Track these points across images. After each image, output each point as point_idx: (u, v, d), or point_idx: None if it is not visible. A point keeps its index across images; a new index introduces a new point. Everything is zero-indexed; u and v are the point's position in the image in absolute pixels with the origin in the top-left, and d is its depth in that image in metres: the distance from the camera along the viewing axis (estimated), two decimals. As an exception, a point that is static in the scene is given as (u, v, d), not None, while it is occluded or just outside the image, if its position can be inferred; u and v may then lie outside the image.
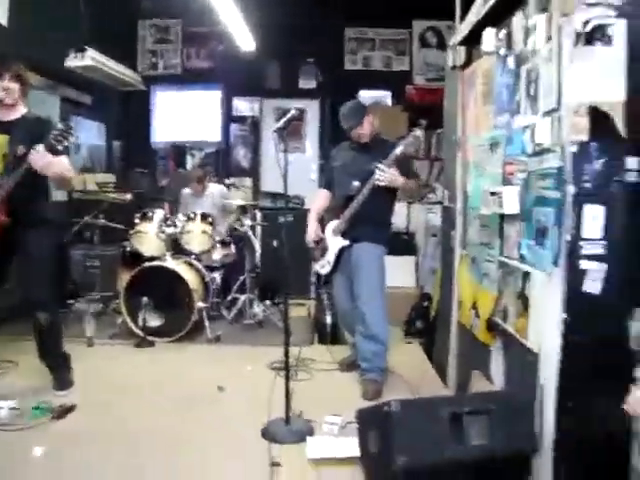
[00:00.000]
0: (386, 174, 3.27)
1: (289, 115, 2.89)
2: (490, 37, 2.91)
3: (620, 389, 2.09)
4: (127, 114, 7.63)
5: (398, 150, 3.26)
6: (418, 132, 3.35)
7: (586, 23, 2.07)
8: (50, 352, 3.33)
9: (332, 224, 3.58)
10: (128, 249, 4.99)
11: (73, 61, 5.47)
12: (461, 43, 3.51)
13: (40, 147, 2.89)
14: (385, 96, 7.56)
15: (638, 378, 1.63)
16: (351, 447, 2.51)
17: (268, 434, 2.81)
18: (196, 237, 4.84)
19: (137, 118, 7.69)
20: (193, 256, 4.91)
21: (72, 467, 2.52)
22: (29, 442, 2.69)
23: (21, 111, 3.17)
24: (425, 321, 4.75)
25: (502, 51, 2.81)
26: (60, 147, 2.93)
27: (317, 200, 3.88)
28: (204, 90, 7.77)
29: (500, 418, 2.21)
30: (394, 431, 2.09)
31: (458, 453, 2.14)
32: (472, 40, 3.27)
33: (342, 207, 3.51)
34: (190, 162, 7.59)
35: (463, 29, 3.41)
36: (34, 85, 5.25)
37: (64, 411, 3.03)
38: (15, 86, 3.08)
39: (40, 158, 2.90)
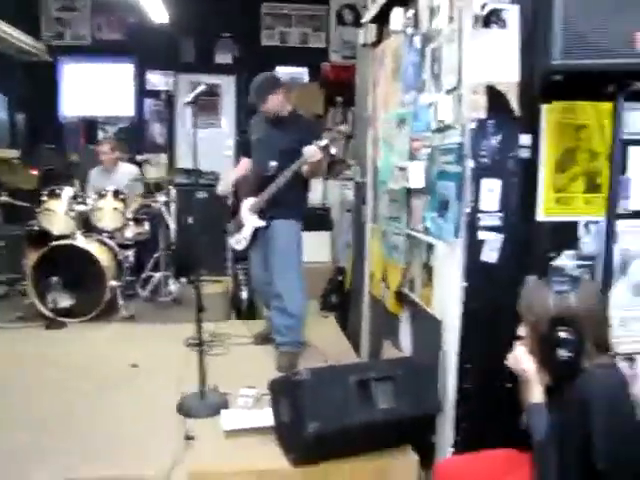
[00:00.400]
0: (313, 157, 3.21)
1: (199, 89, 2.85)
2: (398, 16, 2.99)
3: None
4: (32, 86, 7.22)
5: (323, 142, 3.20)
6: (343, 127, 3.35)
7: (483, 6, 2.17)
8: None
9: (249, 202, 3.57)
10: (35, 228, 4.78)
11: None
12: (372, 21, 3.58)
13: None
14: (302, 73, 7.57)
15: (520, 335, 1.76)
16: (265, 417, 2.56)
17: (182, 409, 2.82)
18: (108, 214, 4.70)
19: (43, 90, 7.29)
20: (105, 234, 4.78)
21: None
22: None
23: None
24: (340, 295, 4.86)
25: (409, 30, 2.89)
26: None
27: (240, 166, 3.87)
28: (116, 63, 7.49)
29: (405, 382, 2.33)
30: (304, 398, 2.16)
31: (366, 417, 2.24)
32: (383, 19, 3.34)
33: (258, 185, 3.50)
34: (102, 137, 7.32)
35: (374, 7, 3.47)
36: None
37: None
38: None
39: None
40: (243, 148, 3.92)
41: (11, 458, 2.44)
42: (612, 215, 1.86)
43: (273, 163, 3.40)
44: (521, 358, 1.75)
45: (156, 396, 3.02)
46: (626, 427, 1.56)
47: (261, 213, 3.50)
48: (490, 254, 2.27)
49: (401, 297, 2.95)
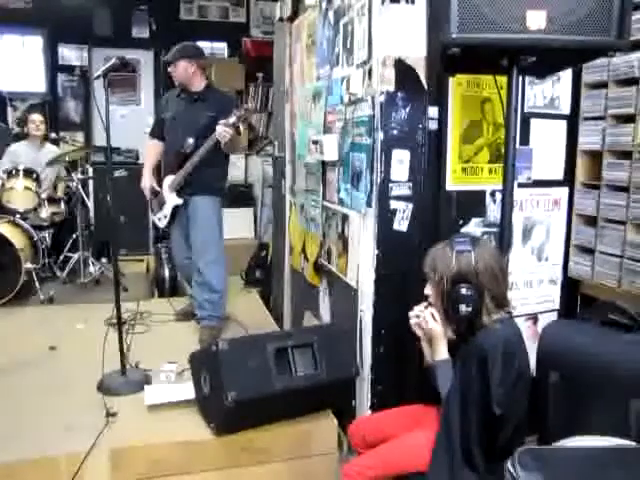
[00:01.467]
0: (224, 136, 3.19)
1: (109, 63, 2.77)
2: (312, -10, 3.02)
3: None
4: None
5: (231, 120, 3.16)
6: (250, 105, 3.33)
7: (391, -19, 2.23)
8: None
9: (168, 179, 3.52)
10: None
11: None
12: (288, -5, 3.58)
13: None
14: (221, 48, 7.46)
15: (426, 295, 1.86)
16: (187, 391, 2.57)
17: (103, 387, 2.79)
18: (19, 194, 4.53)
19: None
20: (18, 215, 4.59)
21: None
22: None
23: None
24: (263, 270, 4.90)
25: (323, 5, 2.92)
26: None
27: (149, 153, 3.80)
28: (22, 35, 7.08)
29: (323, 349, 2.40)
30: (223, 368, 2.19)
31: (286, 384, 2.30)
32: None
33: (176, 163, 3.46)
34: (11, 114, 6.96)
35: (289, -19, 3.48)
36: None
37: None
38: None
39: None
40: (153, 129, 3.78)
41: None
42: (508, 183, 1.97)
43: (190, 140, 3.36)
44: (427, 317, 1.84)
45: (76, 377, 2.97)
46: (520, 375, 1.69)
47: (179, 191, 3.47)
48: (401, 222, 2.37)
49: (319, 268, 3.03)
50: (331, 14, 2.81)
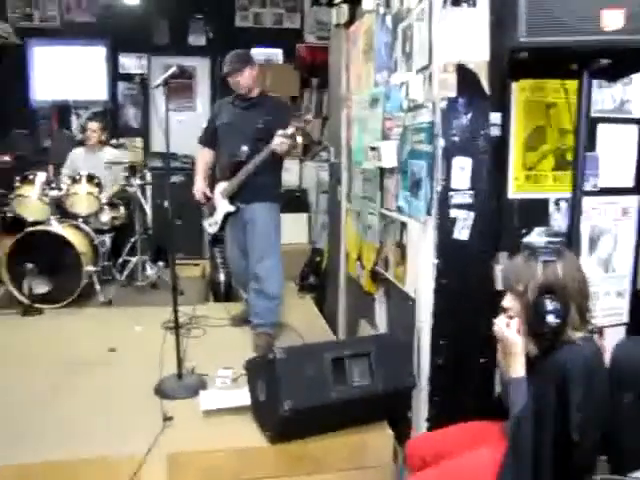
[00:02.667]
0: (282, 147, 3.18)
1: (169, 72, 2.81)
2: (370, -5, 2.99)
3: (487, 325, 2.31)
4: (1, 70, 7.07)
5: (289, 131, 3.16)
6: (309, 116, 3.31)
7: (452, -16, 2.18)
8: None
9: (221, 186, 3.55)
10: (9, 214, 4.73)
11: None
12: (345, 1, 3.56)
13: None
14: (276, 54, 7.51)
15: (505, 307, 1.77)
16: (242, 397, 2.58)
17: (160, 391, 2.83)
18: (82, 199, 4.66)
19: (12, 74, 7.13)
20: (80, 219, 4.73)
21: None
22: None
23: None
24: (317, 276, 4.89)
25: (381, 10, 2.89)
26: None
27: (200, 160, 3.82)
28: (87, 46, 7.34)
29: (380, 359, 2.36)
30: (279, 377, 2.18)
31: (342, 394, 2.27)
32: (355, -2, 3.33)
33: (230, 169, 3.47)
34: (75, 122, 7.21)
35: (346, -13, 3.46)
36: None
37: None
38: None
39: None
40: (204, 136, 3.78)
41: None
42: (578, 192, 1.89)
43: (244, 148, 3.37)
44: (508, 328, 1.74)
45: (134, 379, 3.02)
46: (599, 399, 1.60)
47: (231, 198, 3.49)
48: (462, 232, 2.30)
49: (376, 276, 2.99)
50: (389, 19, 2.78)
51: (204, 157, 3.79)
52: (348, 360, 2.29)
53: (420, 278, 2.41)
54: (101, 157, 5.18)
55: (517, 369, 1.73)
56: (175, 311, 2.97)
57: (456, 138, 2.27)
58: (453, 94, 2.25)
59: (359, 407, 2.39)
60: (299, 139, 3.31)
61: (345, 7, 3.56)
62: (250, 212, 3.47)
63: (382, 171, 2.83)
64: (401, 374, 2.42)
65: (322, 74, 6.85)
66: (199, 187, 3.70)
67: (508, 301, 1.76)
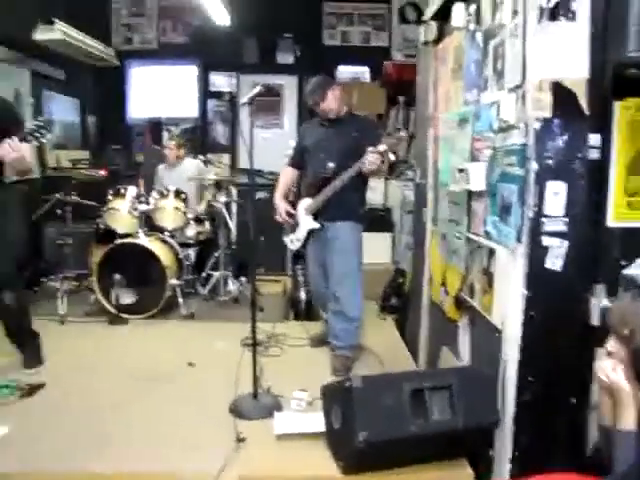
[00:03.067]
0: (373, 164, 3.12)
1: (255, 91, 2.83)
2: (460, 12, 2.89)
3: (579, 363, 2.14)
4: (102, 89, 7.48)
5: (382, 148, 3.10)
6: (403, 134, 3.23)
7: (550, -2, 2.05)
8: (17, 331, 3.30)
9: (305, 202, 3.53)
10: (101, 226, 4.95)
11: (42, 34, 5.33)
12: (433, 18, 3.48)
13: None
14: (363, 72, 7.50)
15: (610, 351, 1.62)
16: (317, 422, 2.52)
17: (235, 410, 2.82)
18: (169, 214, 4.81)
19: (112, 93, 7.54)
20: (167, 233, 4.87)
21: (38, 445, 2.52)
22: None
23: None
24: (399, 297, 4.77)
25: (471, 26, 2.79)
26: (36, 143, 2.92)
27: (282, 177, 3.82)
28: (180, 65, 7.64)
29: (462, 393, 2.24)
30: (355, 406, 2.11)
31: (419, 428, 2.16)
32: (444, 15, 3.24)
33: (316, 186, 3.45)
34: (167, 138, 7.49)
35: (435, 4, 3.37)
36: (1, 58, 5.17)
37: (32, 389, 3.02)
38: None
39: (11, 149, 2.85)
40: (291, 158, 3.80)
41: (70, 445, 2.53)
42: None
43: (331, 164, 3.34)
44: (614, 372, 1.59)
45: (210, 395, 3.05)
46: None
47: (315, 215, 3.46)
48: (554, 261, 2.15)
49: (460, 303, 2.85)
50: (479, 35, 2.66)
51: (286, 175, 3.80)
52: (428, 392, 2.18)
53: (508, 309, 2.26)
54: (180, 172, 5.33)
55: (627, 421, 1.56)
56: (253, 330, 2.96)
57: (550, 161, 2.12)
58: (548, 114, 2.11)
59: (438, 442, 2.27)
60: (391, 156, 3.23)
61: (434, 24, 3.48)
62: (333, 230, 3.43)
63: (470, 194, 2.70)
64: (484, 410, 2.28)
65: (409, 92, 6.76)
66: (280, 205, 3.70)
67: (612, 345, 1.60)
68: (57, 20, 5.38)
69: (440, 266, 3.21)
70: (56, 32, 5.35)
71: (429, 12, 3.51)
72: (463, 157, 2.80)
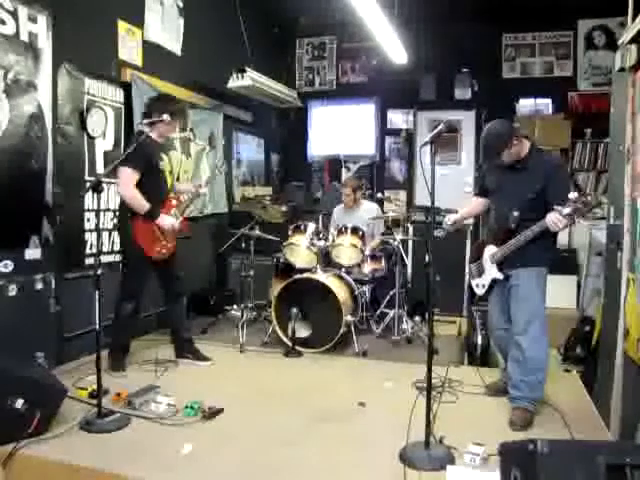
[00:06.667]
0: (556, 225, 2.93)
1: (437, 129, 2.78)
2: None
3: None
4: (285, 129, 7.98)
5: (566, 211, 2.85)
6: (590, 198, 2.96)
7: None
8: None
9: (490, 249, 3.38)
10: (281, 260, 5.19)
11: (234, 82, 5.89)
12: (631, 41, 3.18)
13: None
14: (546, 104, 7.14)
15: None
16: (493, 482, 2.34)
17: (406, 457, 2.71)
18: (346, 250, 4.89)
19: (294, 133, 8.01)
20: (343, 269, 4.96)
21: (213, 465, 2.66)
22: (180, 438, 2.89)
23: None
24: (586, 348, 4.35)
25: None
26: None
27: (472, 203, 3.82)
28: (359, 104, 7.89)
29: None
30: (539, 475, 1.91)
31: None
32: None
33: (501, 236, 3.32)
34: (345, 175, 7.72)
35: (634, 25, 3.08)
36: (203, 105, 5.77)
37: (213, 413, 3.20)
38: None
39: None
40: (476, 187, 3.79)
41: (235, 473, 2.62)
42: None
43: (515, 213, 3.18)
44: None
45: (380, 439, 2.96)
46: None
47: (501, 265, 3.30)
48: None
49: (664, 362, 2.51)
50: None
51: (475, 202, 3.80)
52: (631, 470, 1.90)
53: None
54: (358, 214, 5.42)
55: None
56: (429, 375, 2.85)
57: None
58: None
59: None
60: (577, 220, 3.00)
61: (633, 48, 3.17)
62: (516, 277, 3.25)
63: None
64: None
65: (597, 123, 6.31)
66: (458, 217, 3.74)
67: None
68: (248, 68, 5.88)
69: (638, 318, 2.87)
70: (246, 79, 5.85)
71: (626, 35, 3.22)
72: (670, 198, 2.50)
